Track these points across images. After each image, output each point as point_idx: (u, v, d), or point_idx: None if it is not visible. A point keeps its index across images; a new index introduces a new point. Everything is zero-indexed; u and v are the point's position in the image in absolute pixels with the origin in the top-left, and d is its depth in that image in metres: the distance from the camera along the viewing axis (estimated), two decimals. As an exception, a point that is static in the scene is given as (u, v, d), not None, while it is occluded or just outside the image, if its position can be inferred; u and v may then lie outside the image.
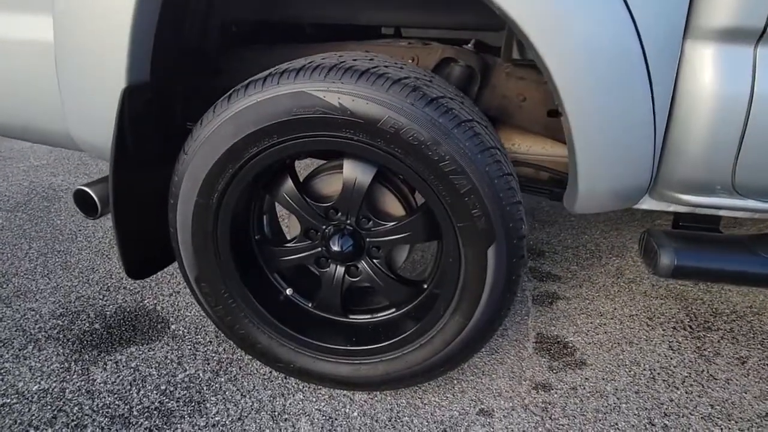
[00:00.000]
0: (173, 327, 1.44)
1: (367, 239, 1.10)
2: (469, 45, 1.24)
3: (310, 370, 1.17)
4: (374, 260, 1.12)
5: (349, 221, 1.08)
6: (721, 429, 1.14)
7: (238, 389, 1.22)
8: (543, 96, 1.22)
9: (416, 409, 1.17)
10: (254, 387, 1.23)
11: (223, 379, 1.25)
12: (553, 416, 1.16)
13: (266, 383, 1.24)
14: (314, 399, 1.20)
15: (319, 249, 1.13)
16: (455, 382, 1.25)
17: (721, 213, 1.04)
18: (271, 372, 1.27)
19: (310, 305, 1.22)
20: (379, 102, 0.88)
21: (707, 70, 0.85)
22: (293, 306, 1.22)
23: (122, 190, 1.09)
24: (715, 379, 1.29)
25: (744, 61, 0.84)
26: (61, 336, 1.40)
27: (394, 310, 1.19)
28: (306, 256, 1.14)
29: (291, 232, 1.22)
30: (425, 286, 1.16)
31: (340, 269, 1.14)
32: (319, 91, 0.89)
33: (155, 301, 1.56)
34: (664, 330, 1.47)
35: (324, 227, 1.10)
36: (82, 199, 1.25)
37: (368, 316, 1.20)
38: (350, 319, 1.20)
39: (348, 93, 0.88)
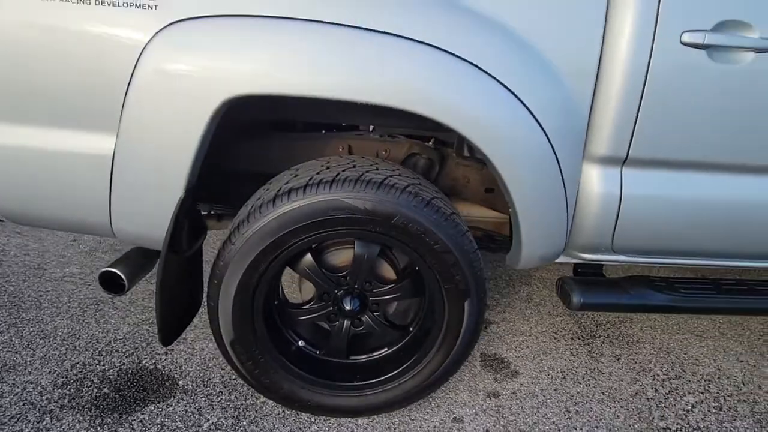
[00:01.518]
0: (181, 382, 1.62)
1: (370, 298, 1.43)
2: (431, 143, 1.65)
3: (325, 404, 1.46)
4: (374, 313, 1.46)
5: (357, 285, 1.41)
6: (611, 408, 1.66)
7: (261, 430, 1.46)
8: (482, 178, 1.67)
9: (408, 425, 1.52)
10: (274, 426, 1.48)
11: (245, 423, 1.48)
12: (504, 415, 1.59)
13: (283, 421, 1.50)
14: (326, 428, 1.49)
15: (331, 308, 1.44)
16: (431, 399, 1.62)
17: (603, 262, 1.57)
18: (284, 411, 1.53)
19: (318, 353, 1.51)
20: (393, 205, 1.23)
21: (594, 180, 1.35)
22: (306, 354, 1.50)
23: (169, 273, 1.30)
24: (602, 373, 1.83)
25: (615, 176, 1.35)
26: (74, 404, 1.50)
27: (386, 349, 1.53)
28: (320, 315, 1.44)
29: (303, 296, 1.51)
30: (411, 329, 1.52)
31: (347, 322, 1.46)
32: (349, 199, 1.22)
33: (153, 361, 1.71)
34: (565, 341, 2.00)
35: (336, 291, 1.42)
36: (108, 280, 1.42)
37: (366, 356, 1.53)
38: (353, 360, 1.52)
39: (370, 200, 1.22)
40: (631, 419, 1.61)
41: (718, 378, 1.85)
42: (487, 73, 1.17)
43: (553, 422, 1.57)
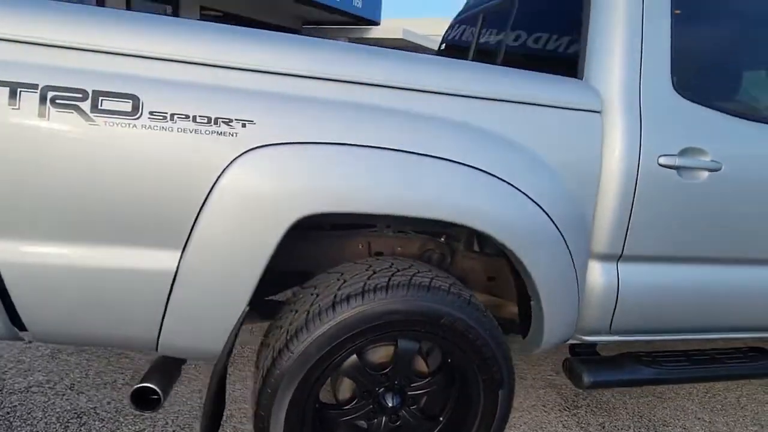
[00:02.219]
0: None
1: (408, 393, 1.50)
2: (442, 239, 1.81)
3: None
4: (411, 407, 1.52)
5: (396, 381, 1.48)
6: (612, 476, 1.81)
7: None
8: (484, 268, 1.84)
9: None
10: None
11: None
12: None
13: None
14: None
15: (371, 406, 1.48)
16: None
17: (598, 342, 1.78)
18: None
19: (354, 451, 1.52)
20: (441, 306, 1.35)
21: (597, 273, 1.58)
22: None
23: (221, 382, 1.28)
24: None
25: (611, 270, 1.59)
26: None
27: (419, 440, 1.58)
28: (361, 414, 1.47)
29: (340, 396, 1.53)
30: (441, 419, 1.60)
31: (385, 419, 1.50)
32: (405, 303, 1.32)
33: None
34: (555, 413, 2.16)
35: (377, 388, 1.47)
36: (139, 396, 1.35)
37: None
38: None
39: (422, 303, 1.33)
40: (631, 485, 1.77)
41: (686, 437, 2.10)
42: (519, 189, 1.37)
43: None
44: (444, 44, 2.85)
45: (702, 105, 1.57)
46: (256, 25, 11.19)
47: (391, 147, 1.27)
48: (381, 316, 1.31)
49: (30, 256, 1.16)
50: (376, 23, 11.56)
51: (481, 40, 2.40)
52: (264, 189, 1.19)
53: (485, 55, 2.32)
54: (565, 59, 1.72)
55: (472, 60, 2.43)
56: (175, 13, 9.46)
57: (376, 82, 1.30)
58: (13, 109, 1.08)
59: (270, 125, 1.20)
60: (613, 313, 1.62)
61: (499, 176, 1.35)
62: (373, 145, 1.26)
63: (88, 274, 1.19)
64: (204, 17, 10.09)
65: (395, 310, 1.31)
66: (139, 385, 1.34)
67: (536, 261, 1.42)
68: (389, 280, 1.35)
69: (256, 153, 1.18)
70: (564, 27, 1.76)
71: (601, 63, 1.53)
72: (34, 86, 1.09)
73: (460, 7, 2.77)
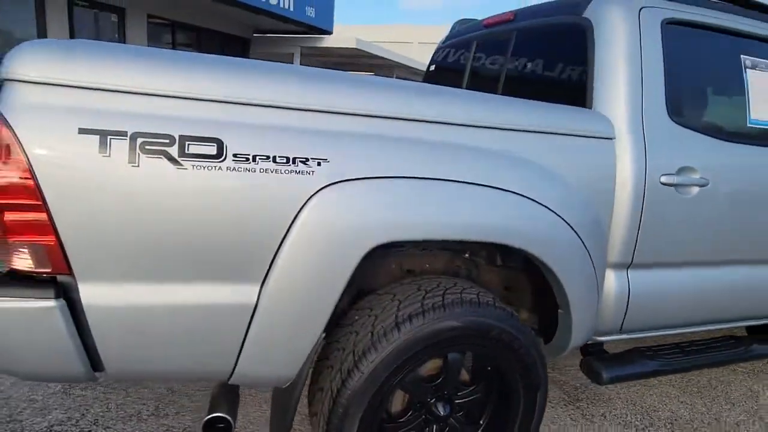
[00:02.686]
0: None
1: (456, 401, 1.62)
2: (467, 255, 1.95)
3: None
4: (458, 414, 1.64)
5: (446, 392, 1.59)
6: (622, 461, 2.02)
7: None
8: (501, 279, 2.00)
9: None
10: None
11: None
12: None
13: None
14: None
15: (423, 416, 1.59)
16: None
17: (607, 341, 1.98)
18: None
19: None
20: (491, 320, 1.49)
21: (612, 281, 1.78)
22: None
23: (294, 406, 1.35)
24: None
25: (623, 277, 1.79)
26: None
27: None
28: (415, 425, 1.58)
29: (392, 409, 1.62)
30: (481, 422, 1.73)
31: (435, 427, 1.61)
32: (461, 319, 1.44)
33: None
34: (561, 408, 2.35)
35: (429, 399, 1.58)
36: (210, 426, 1.39)
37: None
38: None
39: (475, 318, 1.46)
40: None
41: (675, 420, 2.36)
42: (553, 211, 1.53)
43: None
44: (434, 66, 3.01)
45: (691, 129, 1.81)
46: (205, 33, 10.96)
47: (452, 178, 1.39)
48: (442, 332, 1.42)
49: (115, 299, 1.18)
50: (329, 32, 11.63)
51: (476, 66, 2.57)
52: (340, 222, 1.27)
53: (482, 81, 2.49)
54: (568, 89, 1.92)
55: (468, 84, 2.60)
56: (121, 21, 9.10)
57: (431, 119, 1.41)
58: (103, 156, 1.11)
59: (342, 163, 1.28)
60: (625, 315, 1.82)
61: (538, 200, 1.51)
62: (435, 177, 1.37)
63: (171, 312, 1.23)
64: (151, 25, 9.76)
65: (454, 326, 1.43)
66: (210, 416, 1.38)
67: (568, 274, 1.58)
68: (443, 298, 1.47)
69: (331, 189, 1.27)
70: (566, 60, 1.95)
71: (609, 95, 1.73)
72: (124, 133, 1.12)
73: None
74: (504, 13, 2.40)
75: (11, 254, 1.14)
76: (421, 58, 18.96)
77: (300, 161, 1.24)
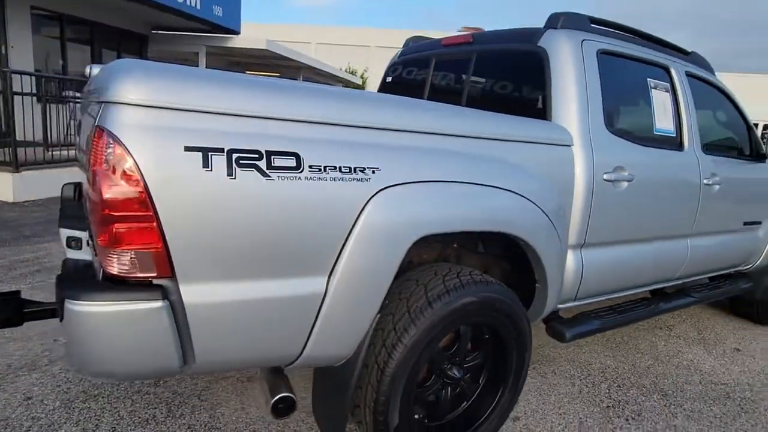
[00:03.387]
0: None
1: (464, 365, 1.95)
2: (455, 245, 2.28)
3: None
4: (466, 376, 1.97)
5: (457, 358, 1.92)
6: (582, 406, 2.50)
7: (407, 497, 1.76)
8: (481, 263, 2.36)
9: (490, 456, 2.04)
10: (414, 491, 1.80)
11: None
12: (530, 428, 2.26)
13: (416, 485, 1.83)
14: (446, 479, 1.88)
15: (442, 380, 1.89)
16: None
17: (561, 308, 2.45)
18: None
19: (427, 421, 1.91)
20: (497, 294, 1.83)
21: (570, 259, 2.23)
22: (423, 426, 1.88)
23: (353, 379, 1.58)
24: (557, 385, 2.68)
25: (578, 255, 2.25)
26: None
27: (465, 402, 2.03)
28: (437, 388, 1.88)
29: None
30: (480, 382, 2.07)
31: (449, 389, 1.93)
32: (476, 295, 1.77)
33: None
34: (539, 377, 2.79)
35: (446, 365, 1.89)
36: (277, 405, 1.57)
37: (455, 412, 2.00)
38: (448, 419, 1.97)
39: (485, 293, 1.80)
40: (590, 401, 2.49)
41: (605, 369, 2.92)
42: (536, 204, 1.92)
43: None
44: (390, 78, 3.31)
45: (620, 137, 2.33)
46: (99, 28, 10.15)
47: (468, 181, 1.71)
48: (464, 306, 1.74)
49: (212, 297, 1.33)
50: (236, 32, 11.36)
51: (436, 81, 2.93)
52: (392, 219, 1.53)
53: (443, 95, 2.85)
54: (529, 105, 2.34)
55: (429, 98, 2.94)
56: (1, 12, 8.14)
57: (452, 133, 1.73)
58: (206, 170, 1.26)
59: (390, 170, 1.54)
60: (579, 286, 2.28)
61: (526, 196, 1.89)
62: (457, 180, 1.68)
63: (256, 305, 1.40)
64: (35, 17, 8.85)
65: (472, 300, 1.76)
66: (278, 396, 1.56)
67: (546, 255, 1.99)
68: (459, 280, 1.78)
69: (383, 192, 1.52)
70: (526, 80, 2.38)
71: (564, 111, 2.17)
72: (222, 150, 1.28)
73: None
74: (462, 35, 2.78)
75: (120, 261, 1.24)
76: (325, 59, 19.17)
77: (359, 170, 1.48)
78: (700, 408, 2.57)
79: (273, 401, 1.56)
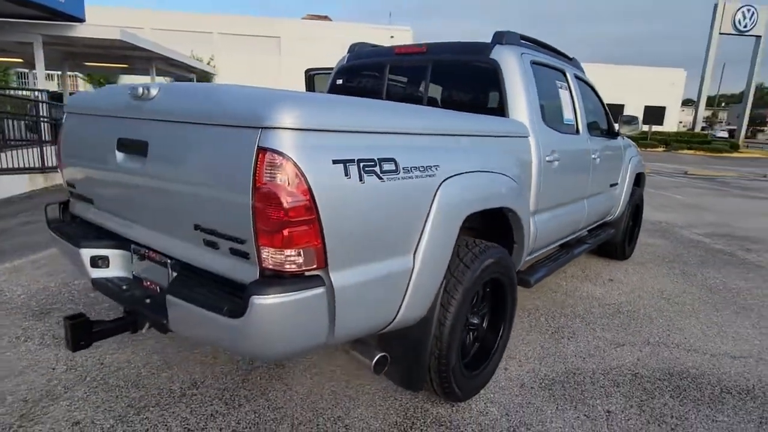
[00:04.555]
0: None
1: (480, 313, 2.50)
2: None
3: (469, 387, 2.42)
4: (482, 322, 2.52)
5: (476, 309, 2.45)
6: (532, 335, 3.25)
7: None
8: (473, 234, 2.92)
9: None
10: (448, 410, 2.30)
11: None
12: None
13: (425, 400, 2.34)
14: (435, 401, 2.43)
15: (467, 327, 2.42)
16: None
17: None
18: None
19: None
20: (502, 254, 2.41)
21: (530, 222, 2.91)
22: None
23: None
24: (509, 325, 3.40)
25: (533, 219, 2.95)
26: None
27: (477, 344, 2.59)
28: (464, 334, 2.39)
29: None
30: (483, 324, 2.64)
31: (471, 333, 2.46)
32: (494, 257, 2.32)
33: None
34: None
35: (469, 315, 2.41)
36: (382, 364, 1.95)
37: (472, 354, 2.55)
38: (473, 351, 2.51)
39: (496, 256, 2.36)
40: (539, 331, 3.25)
41: (537, 307, 3.74)
42: (518, 183, 2.53)
43: (528, 350, 3.04)
44: (340, 81, 3.65)
45: (550, 128, 3.06)
46: None
47: (487, 170, 2.23)
48: (489, 266, 2.28)
49: (350, 280, 1.65)
50: (80, 20, 10.06)
51: (393, 85, 3.37)
52: (451, 202, 1.98)
53: (402, 98, 3.31)
54: (489, 106, 2.94)
55: (387, 99, 3.38)
56: None
57: (474, 133, 2.24)
58: (346, 178, 1.57)
59: (445, 166, 1.98)
60: (533, 244, 2.99)
61: (513, 178, 2.48)
62: (482, 170, 2.20)
63: (374, 283, 1.75)
64: None
65: (492, 261, 2.30)
66: (378, 356, 1.94)
67: (524, 221, 2.63)
68: (479, 248, 2.31)
69: (445, 183, 1.96)
70: (483, 86, 2.97)
71: (518, 109, 2.81)
72: (353, 161, 1.60)
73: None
74: (415, 45, 3.25)
75: (290, 259, 1.50)
76: (170, 46, 17.71)
77: (429, 168, 1.90)
78: (607, 322, 3.53)
79: (375, 360, 1.93)
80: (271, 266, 1.52)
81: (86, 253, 2.17)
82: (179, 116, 1.72)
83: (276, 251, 1.50)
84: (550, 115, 3.21)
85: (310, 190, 1.48)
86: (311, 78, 4.89)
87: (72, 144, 2.34)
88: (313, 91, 4.97)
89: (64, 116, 2.42)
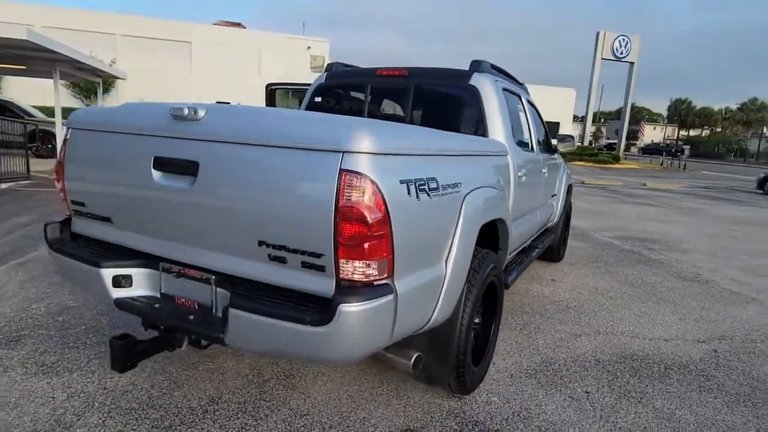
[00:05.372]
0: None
1: (479, 311, 2.78)
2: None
3: (475, 378, 2.69)
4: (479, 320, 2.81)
5: (479, 309, 2.73)
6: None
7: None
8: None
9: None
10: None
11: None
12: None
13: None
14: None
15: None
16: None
17: (493, 267, 3.50)
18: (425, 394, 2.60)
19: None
20: (497, 259, 2.72)
21: (513, 227, 3.27)
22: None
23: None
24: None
25: (511, 226, 3.31)
26: None
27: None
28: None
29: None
30: (477, 321, 2.92)
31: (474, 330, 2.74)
32: (494, 262, 2.62)
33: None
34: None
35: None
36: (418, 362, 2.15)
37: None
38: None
39: (497, 260, 2.67)
40: (509, 328, 3.62)
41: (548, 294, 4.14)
42: (504, 196, 2.87)
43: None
44: (319, 98, 3.78)
45: (518, 146, 3.46)
46: None
47: (489, 185, 2.53)
48: (492, 269, 2.57)
49: (406, 286, 1.83)
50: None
51: (374, 105, 3.59)
52: (473, 215, 2.25)
53: (384, 117, 3.54)
54: (470, 127, 3.26)
55: (367, 117, 3.59)
56: None
57: (481, 153, 2.52)
58: (408, 196, 1.77)
59: (465, 183, 2.25)
60: (509, 248, 3.36)
61: (503, 193, 2.81)
62: (488, 185, 2.49)
63: (419, 289, 1.95)
64: None
65: (493, 265, 2.60)
66: (416, 355, 2.15)
67: (510, 229, 2.97)
68: (482, 254, 2.60)
69: (467, 197, 2.22)
70: (465, 109, 3.29)
71: (496, 131, 3.16)
72: (411, 180, 1.80)
73: None
74: (397, 68, 3.50)
75: (367, 271, 1.66)
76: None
77: (456, 185, 2.16)
78: (562, 317, 4.00)
79: (414, 360, 2.13)
80: (347, 277, 1.67)
81: (108, 273, 2.12)
82: (240, 138, 1.80)
83: (354, 263, 1.65)
84: (516, 134, 3.62)
85: (386, 207, 1.66)
86: (272, 93, 4.94)
87: (84, 161, 2.26)
88: (273, 105, 5.03)
89: (68, 132, 2.33)
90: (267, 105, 4.96)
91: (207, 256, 1.97)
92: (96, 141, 2.22)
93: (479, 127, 3.21)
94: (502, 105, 3.24)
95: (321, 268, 1.70)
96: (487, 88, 3.21)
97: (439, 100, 3.46)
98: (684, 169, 31.44)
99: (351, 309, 1.62)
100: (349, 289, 1.68)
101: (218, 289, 1.95)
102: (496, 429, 2.40)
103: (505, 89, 3.47)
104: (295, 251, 1.73)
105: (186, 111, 1.90)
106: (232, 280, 1.91)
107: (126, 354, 1.89)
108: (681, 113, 77.82)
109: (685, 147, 50.34)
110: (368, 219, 1.62)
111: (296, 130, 1.72)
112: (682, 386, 2.97)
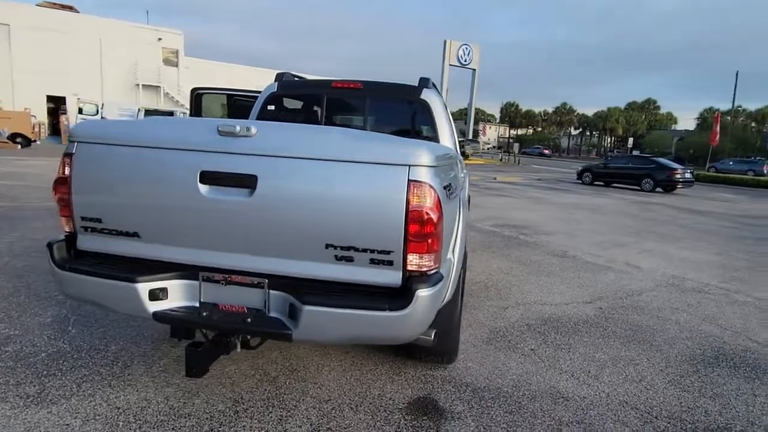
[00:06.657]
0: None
1: (449, 295, 3.28)
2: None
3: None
4: (448, 302, 3.31)
5: (449, 292, 3.24)
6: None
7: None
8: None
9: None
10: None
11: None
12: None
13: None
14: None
15: (448, 306, 3.18)
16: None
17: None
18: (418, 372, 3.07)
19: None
20: (465, 250, 3.26)
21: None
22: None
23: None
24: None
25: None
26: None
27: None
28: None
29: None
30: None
31: (447, 311, 3.24)
32: (465, 253, 3.14)
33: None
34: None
35: (448, 297, 3.18)
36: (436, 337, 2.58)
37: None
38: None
39: (464, 253, 3.20)
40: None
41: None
42: (468, 197, 3.41)
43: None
44: (272, 107, 3.91)
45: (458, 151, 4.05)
46: None
47: (463, 186, 3.03)
48: (464, 258, 3.09)
49: (443, 272, 2.24)
50: None
51: (332, 115, 3.85)
52: (463, 209, 2.73)
53: (340, 126, 3.83)
54: (422, 134, 3.73)
55: (325, 124, 3.84)
56: None
57: (455, 159, 3.00)
58: (446, 198, 2.18)
59: (458, 188, 2.72)
60: (456, 239, 3.93)
61: (463, 189, 3.35)
62: (463, 187, 2.99)
63: (446, 272, 2.37)
64: None
65: (465, 255, 3.12)
66: (434, 332, 2.56)
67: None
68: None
69: (461, 197, 2.70)
70: (417, 119, 3.75)
71: (446, 138, 3.68)
72: (447, 186, 2.22)
73: None
74: (352, 81, 3.81)
75: (428, 262, 2.02)
76: None
77: (455, 189, 2.62)
78: (486, 294, 4.74)
79: (433, 336, 2.54)
80: (412, 269, 2.02)
81: (144, 288, 2.14)
82: (304, 154, 2.02)
83: (419, 257, 2.01)
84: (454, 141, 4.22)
85: (441, 209, 2.05)
86: (198, 97, 4.83)
87: (100, 177, 2.20)
88: (200, 109, 4.91)
89: (74, 147, 2.23)
90: (193, 109, 4.82)
91: (258, 261, 2.12)
92: (114, 156, 2.18)
93: (432, 136, 3.70)
94: (447, 116, 3.78)
95: (389, 263, 2.02)
96: (436, 102, 3.71)
97: (394, 111, 3.88)
98: (518, 163, 36.33)
99: (424, 293, 1.98)
100: (416, 278, 2.03)
101: (272, 291, 2.13)
102: (484, 386, 2.93)
103: (442, 103, 4.02)
104: (364, 250, 2.02)
105: (238, 128, 2.04)
106: (292, 283, 2.10)
107: (203, 360, 1.96)
108: (511, 115, 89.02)
109: (516, 144, 58.06)
110: (433, 218, 1.99)
111: (365, 147, 2.01)
112: (591, 336, 3.86)
